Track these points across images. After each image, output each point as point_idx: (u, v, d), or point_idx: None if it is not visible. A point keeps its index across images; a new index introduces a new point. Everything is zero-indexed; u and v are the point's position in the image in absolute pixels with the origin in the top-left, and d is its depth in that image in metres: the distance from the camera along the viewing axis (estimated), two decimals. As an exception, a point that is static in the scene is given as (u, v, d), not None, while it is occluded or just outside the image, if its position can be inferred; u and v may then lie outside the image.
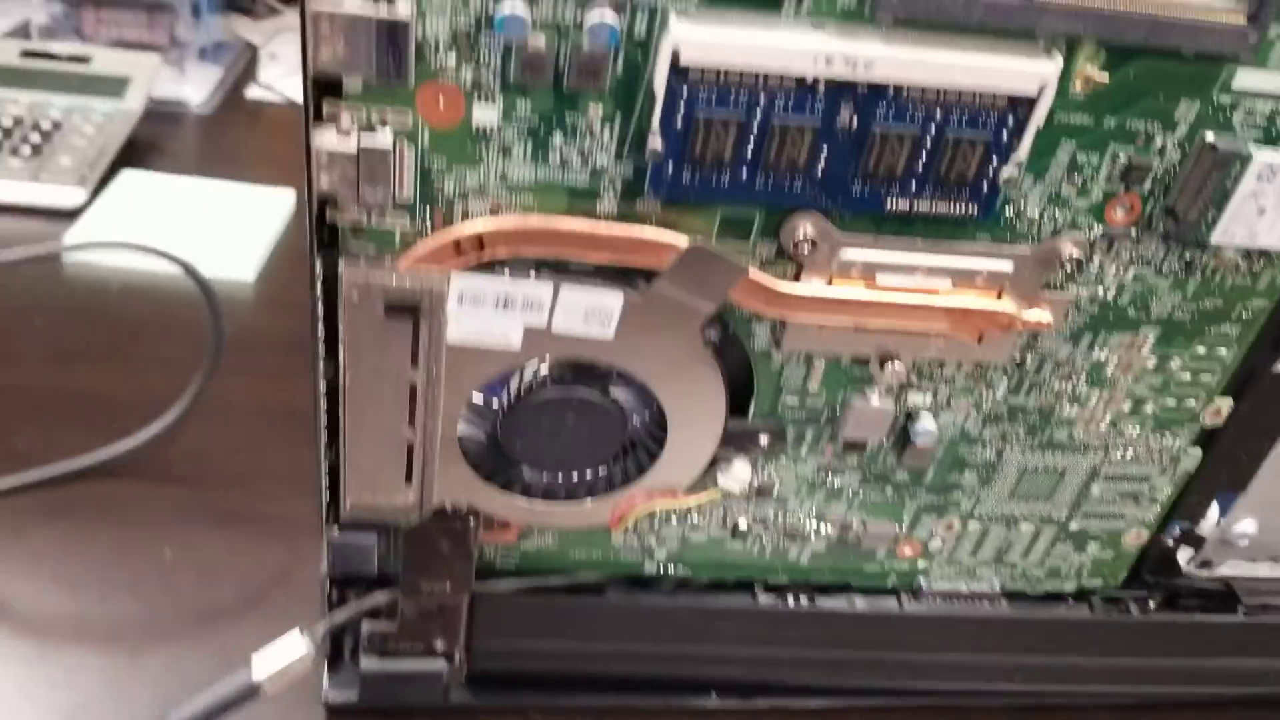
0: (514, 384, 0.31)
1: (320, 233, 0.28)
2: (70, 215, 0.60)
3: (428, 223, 0.28)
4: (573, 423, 0.32)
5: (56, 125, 0.66)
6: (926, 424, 0.33)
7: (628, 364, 0.31)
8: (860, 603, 0.38)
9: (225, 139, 0.73)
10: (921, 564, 0.37)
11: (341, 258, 0.28)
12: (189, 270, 0.44)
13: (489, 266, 0.29)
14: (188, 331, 0.52)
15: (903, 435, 0.34)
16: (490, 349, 0.30)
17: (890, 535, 0.36)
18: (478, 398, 0.32)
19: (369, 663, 0.36)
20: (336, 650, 0.37)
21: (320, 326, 0.30)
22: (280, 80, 0.79)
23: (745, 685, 0.39)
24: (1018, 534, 0.37)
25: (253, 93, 0.78)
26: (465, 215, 0.28)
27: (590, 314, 0.29)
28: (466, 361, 0.30)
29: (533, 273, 0.29)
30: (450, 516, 0.34)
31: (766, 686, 0.39)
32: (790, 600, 0.38)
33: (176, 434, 0.47)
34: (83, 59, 0.70)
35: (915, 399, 0.33)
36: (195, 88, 0.76)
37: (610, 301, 0.29)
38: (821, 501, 0.35)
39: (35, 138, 0.65)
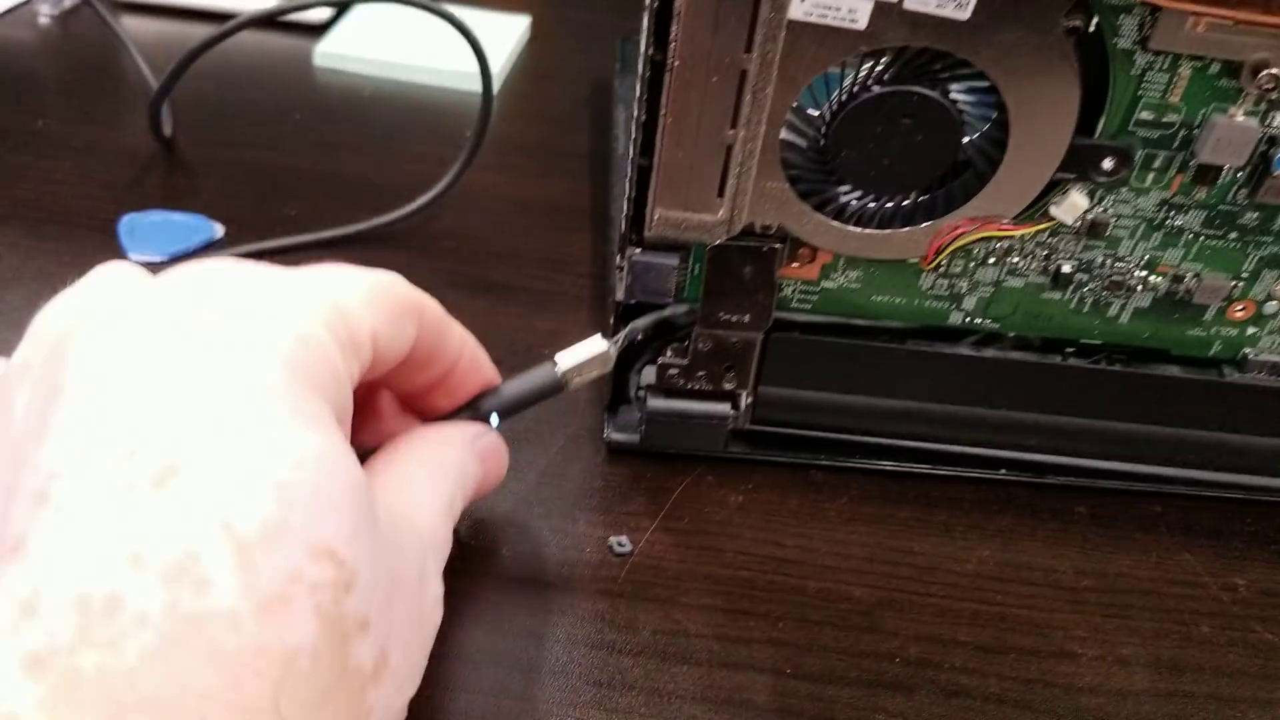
0: (847, 83, 0.30)
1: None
2: (317, 31, 0.61)
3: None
4: (906, 129, 0.30)
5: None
6: (1292, 150, 0.30)
7: (977, 55, 0.28)
8: (1177, 370, 0.35)
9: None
10: (1251, 330, 0.35)
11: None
12: (463, 30, 0.44)
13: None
14: (436, 135, 0.53)
15: (1261, 164, 0.31)
16: (832, 28, 0.28)
17: (1224, 291, 0.33)
18: (805, 105, 0.30)
19: (655, 401, 0.35)
20: (620, 393, 0.37)
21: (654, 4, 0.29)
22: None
23: (1037, 464, 0.37)
24: (1367, 300, 0.34)
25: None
26: None
27: (948, -11, 0.27)
28: (803, 46, 0.28)
29: (897, -69, 0.27)
30: (757, 238, 0.32)
31: (1059, 467, 0.37)
32: (1102, 363, 0.35)
33: (437, 214, 0.47)
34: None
35: (1283, 121, 0.30)
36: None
37: (972, -26, 0.27)
38: (1156, 246, 0.33)
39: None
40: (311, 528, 0.20)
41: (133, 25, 0.60)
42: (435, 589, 0.25)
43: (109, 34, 0.57)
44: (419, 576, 0.24)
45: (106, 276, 0.25)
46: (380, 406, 0.30)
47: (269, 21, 0.58)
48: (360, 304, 0.24)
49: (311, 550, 0.20)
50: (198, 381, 0.21)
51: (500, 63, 0.61)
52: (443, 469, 0.28)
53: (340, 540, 0.21)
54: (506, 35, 0.63)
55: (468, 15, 0.64)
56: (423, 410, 0.31)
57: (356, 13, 0.63)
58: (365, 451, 0.28)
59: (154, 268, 0.43)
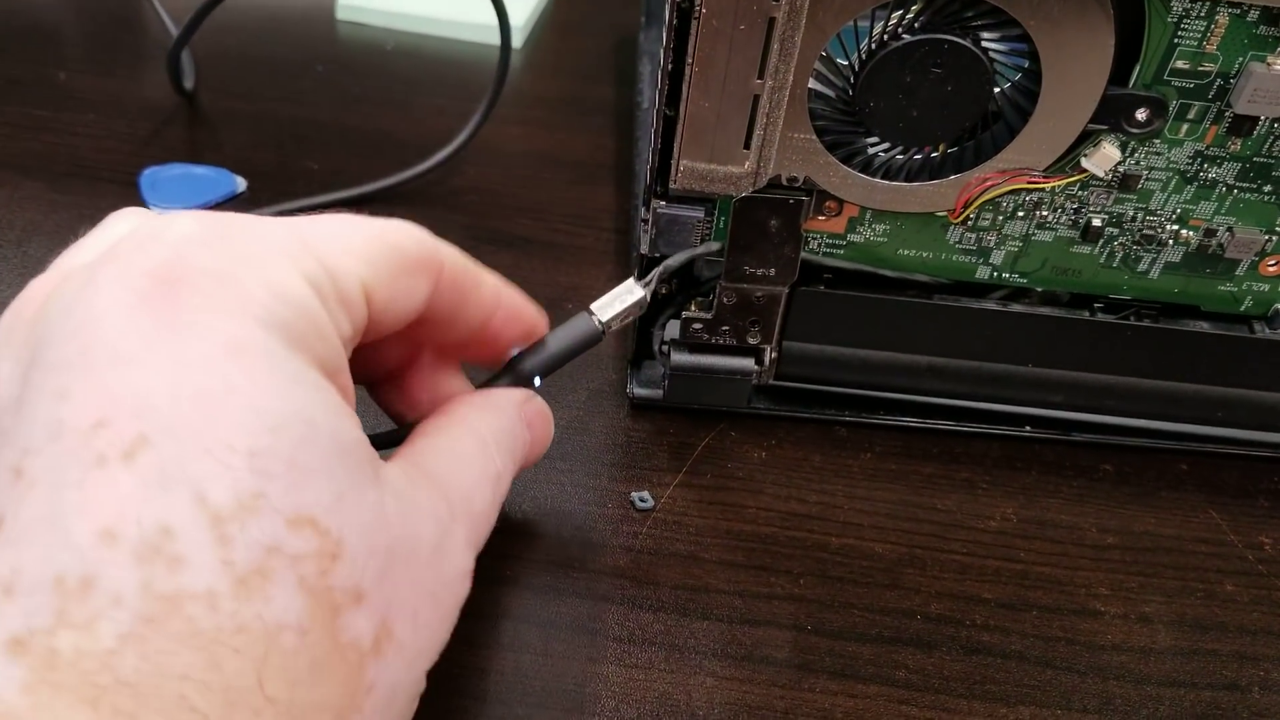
0: (876, 32, 0.29)
1: None
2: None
3: None
4: (936, 79, 0.29)
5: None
6: (1333, 100, 0.29)
7: (1010, 2, 0.28)
8: (1207, 326, 0.35)
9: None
10: (1284, 287, 0.34)
11: None
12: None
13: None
14: (459, 89, 0.52)
15: (1301, 115, 0.30)
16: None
17: (1257, 245, 0.33)
18: (834, 55, 0.30)
19: (679, 356, 0.35)
20: (644, 348, 0.37)
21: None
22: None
23: (1062, 421, 0.37)
24: (1406, 256, 0.33)
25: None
26: None
27: (980, -64, 0.27)
28: (832, -4, 0.28)
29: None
30: (784, 191, 0.32)
31: (1085, 424, 0.37)
32: (1130, 319, 0.35)
33: (461, 169, 0.47)
34: None
35: (1324, 69, 0.29)
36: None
37: (1005, -81, 0.27)
38: (1189, 199, 0.32)
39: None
40: (290, 496, 0.19)
41: (153, -23, 0.60)
42: (459, 561, 0.24)
43: (130, -14, 0.57)
44: (435, 547, 0.23)
45: (112, 228, 0.24)
46: (415, 361, 0.29)
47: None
48: (350, 255, 0.23)
49: (291, 520, 0.19)
50: (167, 347, 0.20)
51: (525, 16, 0.60)
52: (495, 438, 0.27)
53: (321, 508, 0.20)
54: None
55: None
56: (462, 359, 0.29)
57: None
58: (417, 417, 0.28)
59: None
